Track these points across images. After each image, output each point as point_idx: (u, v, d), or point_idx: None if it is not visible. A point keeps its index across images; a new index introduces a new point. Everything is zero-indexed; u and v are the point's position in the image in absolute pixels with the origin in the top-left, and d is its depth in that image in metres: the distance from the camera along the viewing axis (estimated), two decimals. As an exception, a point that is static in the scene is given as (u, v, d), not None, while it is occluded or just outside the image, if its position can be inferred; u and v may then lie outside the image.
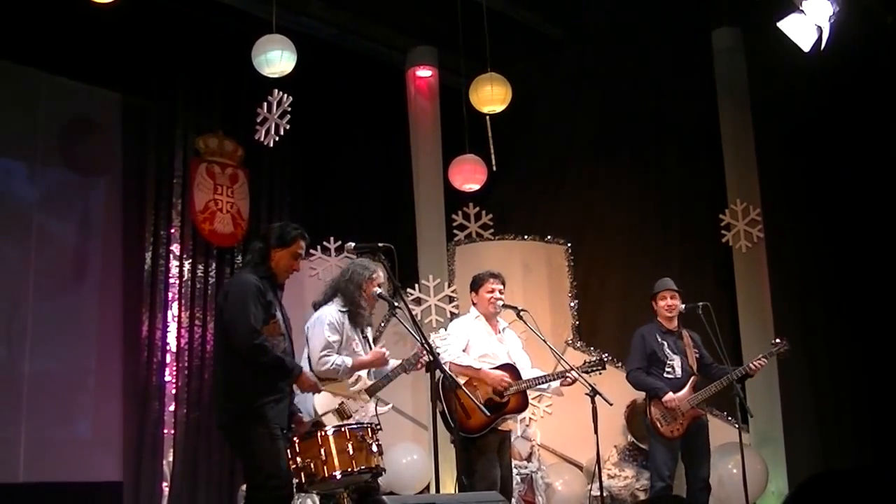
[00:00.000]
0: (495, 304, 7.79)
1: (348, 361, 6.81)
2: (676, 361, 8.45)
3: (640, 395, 8.75)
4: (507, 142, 11.06)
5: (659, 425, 8.28)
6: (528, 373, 7.76)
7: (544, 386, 7.85)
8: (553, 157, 12.58)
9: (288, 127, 8.96)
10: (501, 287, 7.86)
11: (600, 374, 7.69)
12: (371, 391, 6.85)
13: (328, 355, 6.79)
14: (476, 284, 7.93)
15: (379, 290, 6.95)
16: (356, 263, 7.24)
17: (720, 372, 8.51)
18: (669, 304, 8.55)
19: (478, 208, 11.80)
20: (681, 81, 11.80)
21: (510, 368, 7.65)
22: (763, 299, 10.79)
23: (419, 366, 6.88)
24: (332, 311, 6.96)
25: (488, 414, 6.98)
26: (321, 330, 6.90)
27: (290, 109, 8.91)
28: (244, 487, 8.00)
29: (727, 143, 11.18)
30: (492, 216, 11.82)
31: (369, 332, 7.21)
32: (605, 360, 8.08)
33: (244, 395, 5.83)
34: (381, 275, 7.00)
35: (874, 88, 10.60)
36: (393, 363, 7.05)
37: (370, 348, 7.07)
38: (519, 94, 10.72)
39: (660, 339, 8.49)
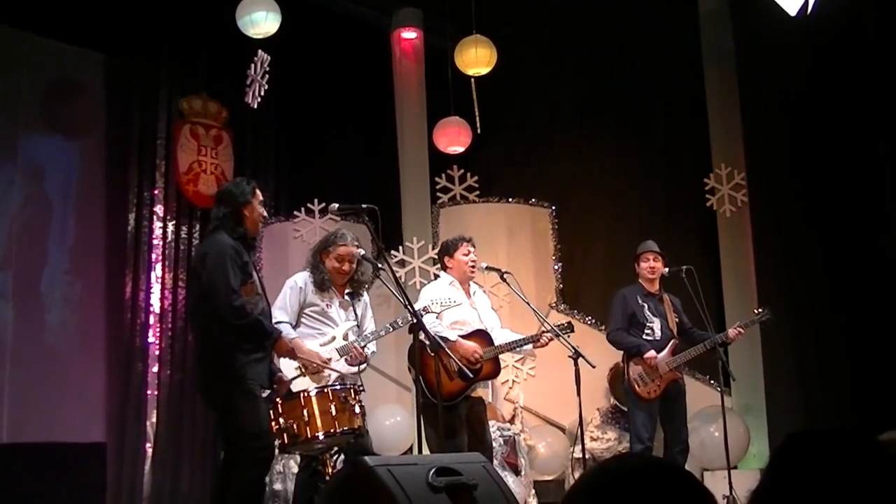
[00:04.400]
0: (472, 267, 7.73)
1: (291, 335, 6.75)
2: (656, 324, 8.47)
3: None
4: (493, 105, 11.05)
5: (636, 385, 8.30)
6: (498, 333, 7.73)
7: (518, 349, 7.84)
8: (538, 121, 12.56)
9: (267, 87, 8.92)
10: (474, 250, 7.81)
11: (569, 336, 7.64)
12: (342, 352, 6.87)
13: (279, 311, 6.82)
14: (450, 249, 7.79)
15: (341, 264, 6.96)
16: (330, 232, 7.32)
17: (699, 337, 8.55)
18: (652, 265, 8.57)
19: (462, 171, 11.77)
20: (666, 45, 11.80)
21: (482, 335, 7.60)
22: (747, 263, 10.83)
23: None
24: (300, 276, 7.02)
25: (471, 376, 6.96)
26: (284, 291, 6.98)
27: (268, 69, 8.88)
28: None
29: (712, 107, 11.18)
30: (477, 178, 11.80)
31: (360, 306, 7.17)
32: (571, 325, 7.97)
33: (225, 357, 5.86)
34: (345, 250, 6.98)
35: (860, 54, 10.58)
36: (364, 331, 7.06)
37: (355, 317, 7.07)
38: (504, 57, 10.70)
39: (641, 301, 8.51)
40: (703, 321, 8.45)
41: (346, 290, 7.12)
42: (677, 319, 8.63)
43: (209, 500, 7.02)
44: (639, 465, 1.90)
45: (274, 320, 6.68)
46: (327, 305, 6.98)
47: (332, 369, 6.77)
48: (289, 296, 6.97)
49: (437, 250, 10.42)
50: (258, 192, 6.29)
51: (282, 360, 6.62)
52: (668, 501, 1.82)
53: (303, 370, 6.65)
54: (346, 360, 6.91)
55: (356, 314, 7.09)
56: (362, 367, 7.02)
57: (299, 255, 10.11)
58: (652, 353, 8.28)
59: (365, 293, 7.23)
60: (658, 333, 8.45)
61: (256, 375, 5.92)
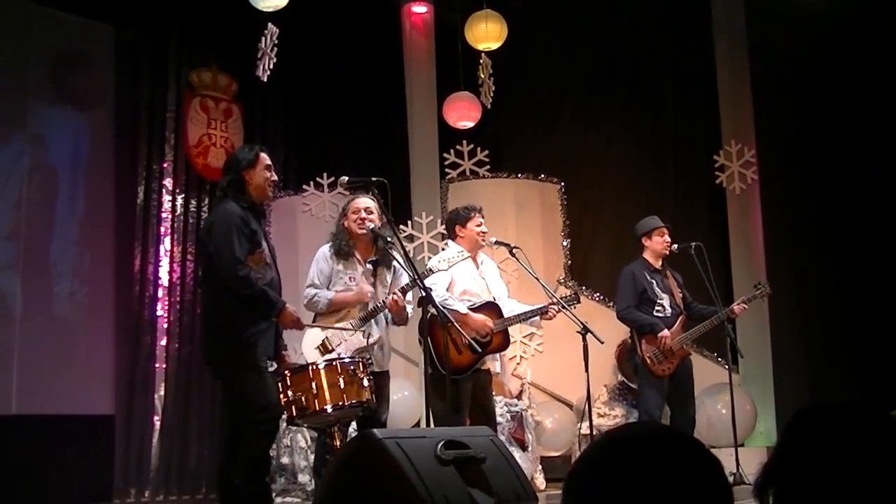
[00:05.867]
0: (483, 237, 7.69)
1: (329, 295, 6.84)
2: (666, 300, 8.46)
3: (632, 334, 8.76)
4: (503, 80, 11.00)
5: (650, 363, 8.28)
6: (506, 303, 7.69)
7: (526, 320, 7.83)
8: (548, 96, 12.55)
9: (275, 60, 8.90)
10: (484, 220, 7.77)
11: (574, 307, 7.62)
12: (362, 320, 6.88)
13: (310, 288, 6.86)
14: (461, 219, 7.68)
15: (356, 216, 6.95)
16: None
17: (704, 312, 8.55)
18: (667, 240, 8.55)
19: (472, 146, 11.73)
20: (677, 20, 11.76)
21: (492, 307, 7.58)
22: (755, 240, 10.82)
23: (395, 309, 6.92)
24: (322, 248, 7.03)
25: (479, 350, 6.95)
26: (311, 268, 6.98)
27: (277, 42, 8.85)
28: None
29: (723, 83, 11.15)
30: (487, 153, 11.75)
31: (390, 274, 7.14)
32: (577, 296, 7.97)
33: (232, 328, 5.86)
34: (356, 203, 6.97)
35: (872, 28, 10.55)
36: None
37: (374, 286, 7.07)
38: (515, 32, 10.67)
39: (649, 278, 8.50)
40: (711, 297, 8.45)
41: (369, 258, 7.07)
42: (681, 294, 8.63)
43: (216, 472, 7.03)
44: (647, 433, 1.90)
45: (307, 296, 6.74)
46: (350, 278, 6.96)
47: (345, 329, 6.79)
48: (315, 269, 6.97)
49: (445, 225, 10.43)
50: (263, 156, 6.19)
51: (302, 343, 6.65)
52: (676, 468, 1.81)
53: (322, 349, 6.65)
54: (390, 316, 6.95)
55: (376, 282, 7.05)
56: (375, 337, 7.01)
57: (308, 228, 10.15)
58: (666, 332, 8.27)
59: (394, 261, 7.18)
60: (668, 310, 8.44)
61: (263, 347, 5.93)
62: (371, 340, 6.88)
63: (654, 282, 8.49)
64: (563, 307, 7.51)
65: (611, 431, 1.94)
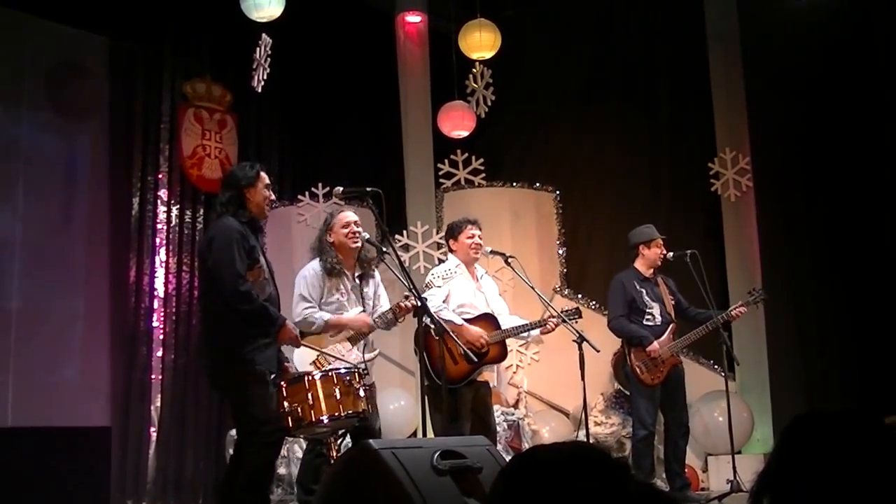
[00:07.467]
0: (476, 249, 7.71)
1: (325, 317, 6.85)
2: (656, 308, 8.46)
3: (627, 343, 8.76)
4: (497, 88, 11.01)
5: (640, 372, 8.30)
6: (506, 319, 7.71)
7: (524, 334, 7.82)
8: (542, 104, 12.54)
9: (269, 70, 8.92)
10: (480, 233, 7.79)
11: (576, 322, 7.63)
12: (353, 339, 6.88)
13: (306, 308, 6.86)
14: (454, 231, 7.77)
15: (348, 230, 6.98)
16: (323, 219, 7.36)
17: (699, 316, 8.55)
18: (663, 251, 8.55)
19: (466, 154, 11.72)
20: (671, 27, 11.77)
21: (489, 318, 7.58)
22: (751, 248, 10.81)
23: (404, 311, 6.92)
24: (312, 265, 7.01)
25: (475, 360, 6.95)
26: (300, 283, 7.00)
27: (271, 52, 8.87)
28: (233, 432, 8.08)
29: (717, 90, 11.14)
30: (482, 161, 11.74)
31: (371, 286, 7.18)
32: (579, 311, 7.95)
33: (232, 342, 5.86)
34: (344, 217, 7.04)
35: (865, 35, 10.55)
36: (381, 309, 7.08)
37: (362, 301, 7.07)
38: (509, 40, 10.68)
39: (639, 287, 8.49)
40: (706, 305, 8.45)
41: (357, 273, 7.10)
42: (674, 301, 8.63)
43: (221, 483, 7.03)
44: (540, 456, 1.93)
45: (302, 314, 6.74)
46: (342, 294, 6.98)
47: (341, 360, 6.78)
48: (305, 285, 6.97)
49: (440, 234, 10.44)
50: (263, 174, 6.23)
51: (294, 352, 6.65)
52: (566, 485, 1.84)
53: (319, 364, 6.66)
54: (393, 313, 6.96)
55: (363, 296, 7.07)
56: (373, 354, 7.03)
57: (303, 239, 10.09)
58: (654, 346, 8.27)
59: (376, 272, 7.23)
60: (658, 318, 8.44)
61: (265, 361, 5.92)
62: (368, 357, 6.89)
63: (643, 291, 8.48)
64: (563, 320, 7.51)
65: (507, 464, 1.97)
